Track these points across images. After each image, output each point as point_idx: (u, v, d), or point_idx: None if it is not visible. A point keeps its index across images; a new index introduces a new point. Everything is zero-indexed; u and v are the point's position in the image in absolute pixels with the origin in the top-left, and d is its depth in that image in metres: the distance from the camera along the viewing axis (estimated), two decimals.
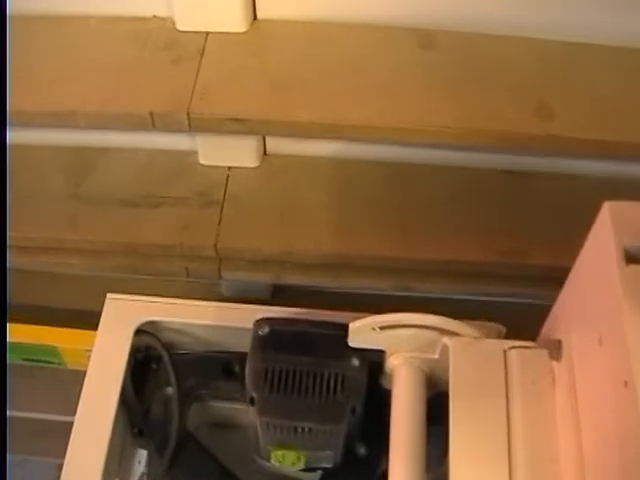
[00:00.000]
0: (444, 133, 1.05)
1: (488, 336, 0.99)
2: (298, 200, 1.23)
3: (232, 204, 1.22)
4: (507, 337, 1.14)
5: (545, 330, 0.99)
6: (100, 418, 1.05)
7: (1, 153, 1.19)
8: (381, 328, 1.03)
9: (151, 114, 1.04)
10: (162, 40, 1.12)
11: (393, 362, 1.06)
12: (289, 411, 1.01)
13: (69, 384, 1.28)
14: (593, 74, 1.11)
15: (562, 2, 1.07)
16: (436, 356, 1.02)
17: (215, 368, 1.18)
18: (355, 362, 1.05)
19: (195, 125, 1.05)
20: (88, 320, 1.18)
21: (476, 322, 1.01)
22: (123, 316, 1.13)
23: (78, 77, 1.08)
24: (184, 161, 1.26)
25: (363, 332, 1.03)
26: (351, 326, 1.04)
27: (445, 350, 0.98)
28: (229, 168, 1.26)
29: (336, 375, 1.04)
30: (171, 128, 1.06)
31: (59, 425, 1.19)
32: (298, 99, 1.07)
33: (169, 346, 1.16)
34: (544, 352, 0.93)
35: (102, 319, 1.13)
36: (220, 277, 1.23)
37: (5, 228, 1.14)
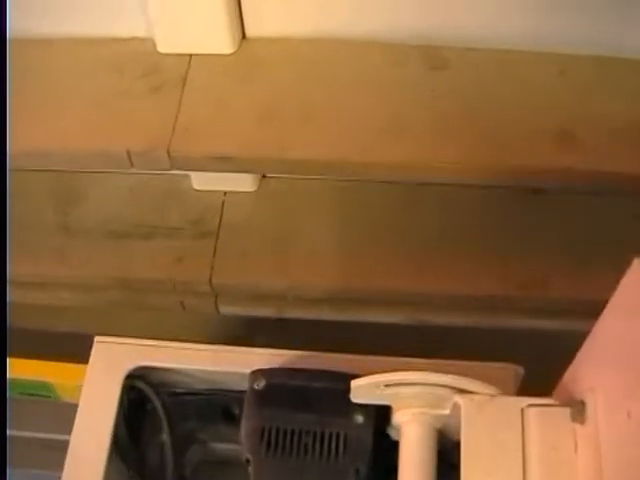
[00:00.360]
0: (455, 170, 0.95)
1: (504, 379, 0.94)
2: (299, 228, 1.13)
3: (228, 233, 1.14)
4: (527, 376, 1.03)
5: (567, 380, 0.89)
6: (90, 470, 0.99)
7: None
8: (386, 386, 0.94)
9: (128, 153, 0.95)
10: (141, 65, 1.02)
11: (401, 418, 0.97)
12: (288, 475, 0.93)
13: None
14: (620, 92, 0.97)
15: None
16: (448, 412, 0.93)
17: (214, 411, 1.09)
18: (359, 419, 0.96)
19: (177, 164, 0.96)
20: (84, 353, 1.10)
21: (491, 364, 0.96)
22: (112, 361, 1.05)
23: (51, 112, 0.99)
24: (177, 186, 1.17)
25: (366, 390, 0.94)
26: (353, 385, 0.95)
27: (457, 408, 0.88)
28: (225, 193, 1.17)
29: (338, 435, 0.95)
30: (151, 167, 0.96)
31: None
32: (293, 133, 0.97)
33: (164, 385, 1.08)
34: (566, 412, 0.83)
35: (90, 364, 1.05)
36: (218, 312, 1.14)
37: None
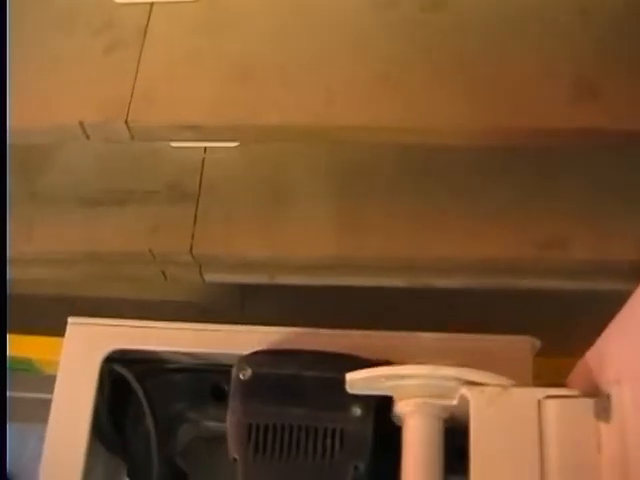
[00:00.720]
0: (457, 133, 0.81)
1: (520, 352, 0.88)
2: (289, 189, 1.02)
3: (209, 196, 1.02)
4: (543, 348, 0.93)
5: (590, 363, 0.80)
6: (70, 461, 0.92)
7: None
8: (387, 378, 0.85)
9: (81, 124, 0.82)
10: (96, 19, 0.87)
11: (403, 409, 0.87)
12: (279, 476, 0.86)
13: None
14: None
15: None
16: (455, 402, 0.83)
17: (203, 389, 1.00)
18: (357, 411, 0.87)
19: (138, 135, 0.83)
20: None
21: (505, 337, 0.89)
22: (88, 344, 0.96)
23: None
24: (151, 143, 1.04)
25: (364, 382, 0.85)
26: (348, 378, 0.85)
27: (465, 400, 0.79)
28: (205, 149, 1.04)
29: (334, 430, 0.86)
30: (109, 139, 0.84)
31: None
32: (270, 94, 0.83)
33: (147, 363, 0.99)
34: (589, 405, 0.74)
35: (64, 348, 0.96)
36: (203, 280, 1.04)
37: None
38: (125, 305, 1.11)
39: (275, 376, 0.87)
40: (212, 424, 1.06)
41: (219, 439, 1.07)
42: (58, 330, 0.99)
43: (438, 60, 0.83)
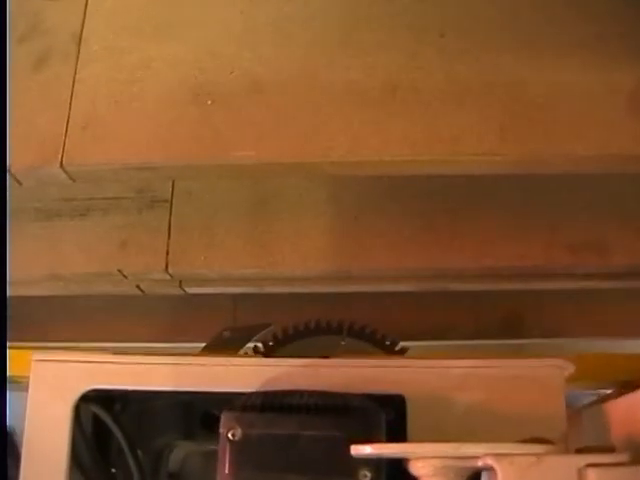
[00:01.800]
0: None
1: (550, 378, 0.77)
2: (278, 191, 0.83)
3: (185, 203, 0.84)
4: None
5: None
6: None
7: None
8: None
9: (10, 172, 0.65)
10: (23, 21, 0.67)
11: (420, 471, 0.74)
12: None
13: None
14: None
15: None
16: (479, 464, 0.71)
17: (192, 419, 0.89)
18: (366, 475, 0.75)
19: (81, 178, 0.66)
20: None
21: (536, 361, 0.78)
22: (58, 385, 0.83)
23: None
24: None
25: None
26: (354, 451, 0.71)
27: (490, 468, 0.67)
28: None
29: None
30: (46, 183, 0.66)
31: None
32: (238, 120, 0.64)
33: (128, 394, 0.87)
34: (636, 473, 0.63)
35: (31, 389, 0.83)
36: (184, 292, 0.88)
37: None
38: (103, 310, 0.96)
39: (270, 437, 0.73)
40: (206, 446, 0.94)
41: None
42: None
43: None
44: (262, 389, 0.80)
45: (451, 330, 1.03)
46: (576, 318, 1.01)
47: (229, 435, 0.73)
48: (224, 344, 1.02)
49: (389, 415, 0.77)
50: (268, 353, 0.97)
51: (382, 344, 0.99)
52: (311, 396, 0.77)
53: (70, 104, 0.65)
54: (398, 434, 0.77)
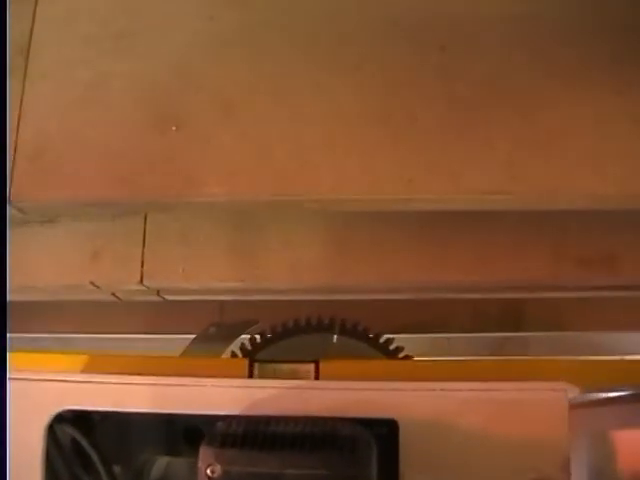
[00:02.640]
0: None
1: (554, 401, 0.70)
2: None
3: None
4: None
5: None
6: None
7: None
8: None
9: None
10: None
11: None
12: None
13: None
14: None
15: None
16: None
17: (174, 435, 0.82)
18: None
19: (34, 213, 0.57)
20: None
21: (540, 384, 0.71)
22: (32, 405, 0.77)
23: None
24: None
25: None
26: None
27: None
28: None
29: None
30: None
31: None
32: (206, 150, 0.55)
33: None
34: None
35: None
36: (163, 299, 0.80)
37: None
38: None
39: (251, 476, 0.67)
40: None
41: None
42: None
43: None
44: (245, 413, 0.74)
45: (448, 323, 0.96)
46: (577, 311, 0.94)
47: (208, 472, 0.67)
48: (210, 340, 0.96)
49: (380, 441, 0.71)
50: (255, 351, 0.90)
51: (375, 342, 0.93)
52: (297, 424, 0.71)
53: (17, 129, 0.55)
54: (389, 462, 0.72)
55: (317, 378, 0.79)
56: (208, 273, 0.76)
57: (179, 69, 0.56)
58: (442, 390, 0.71)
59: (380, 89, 0.55)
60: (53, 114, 0.56)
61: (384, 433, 0.70)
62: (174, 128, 0.55)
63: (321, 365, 0.81)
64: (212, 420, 0.73)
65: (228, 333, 0.95)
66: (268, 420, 0.70)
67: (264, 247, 0.75)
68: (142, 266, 0.75)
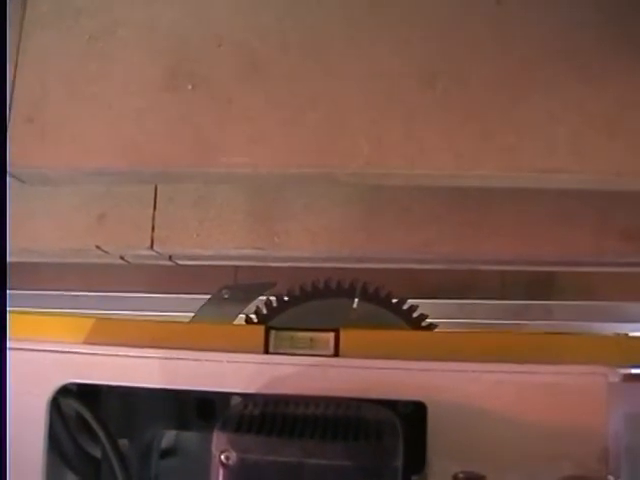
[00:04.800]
0: None
1: (594, 387, 0.64)
2: None
3: None
4: None
5: None
6: None
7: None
8: None
9: None
10: None
11: None
12: None
13: None
14: None
15: None
16: None
17: (186, 409, 0.76)
18: None
19: (31, 181, 0.49)
20: None
21: (579, 368, 0.65)
22: (35, 376, 0.71)
23: None
24: None
25: None
26: None
27: None
28: None
29: None
30: None
31: None
32: (226, 112, 0.47)
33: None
34: None
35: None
36: (176, 263, 0.73)
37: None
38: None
39: (269, 464, 0.61)
40: None
41: None
42: None
43: None
44: (261, 391, 0.67)
45: (475, 288, 0.89)
46: (608, 281, 0.86)
47: (222, 458, 0.61)
48: (224, 304, 0.89)
49: (406, 425, 0.65)
50: (271, 316, 0.84)
51: (399, 309, 0.86)
52: (318, 406, 0.64)
53: (14, 84, 0.47)
54: (416, 447, 0.65)
55: (337, 347, 0.73)
56: (225, 239, 0.69)
57: (198, 17, 0.47)
58: (474, 372, 0.65)
59: (425, 46, 0.46)
60: (53, 68, 0.48)
61: (411, 416, 0.64)
62: (190, 86, 0.47)
63: (341, 334, 0.75)
64: (226, 396, 0.68)
65: (243, 296, 0.88)
66: (286, 401, 0.64)
67: (285, 213, 0.68)
68: (153, 230, 0.69)
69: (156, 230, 0.68)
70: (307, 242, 0.69)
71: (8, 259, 0.62)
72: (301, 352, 0.73)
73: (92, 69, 0.47)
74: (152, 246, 0.68)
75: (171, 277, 0.88)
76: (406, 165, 0.46)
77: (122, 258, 0.75)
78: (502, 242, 0.67)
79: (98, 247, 0.69)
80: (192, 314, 0.87)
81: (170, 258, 0.73)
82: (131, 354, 0.71)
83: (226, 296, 0.89)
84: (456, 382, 0.65)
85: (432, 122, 0.46)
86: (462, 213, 0.67)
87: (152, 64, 0.47)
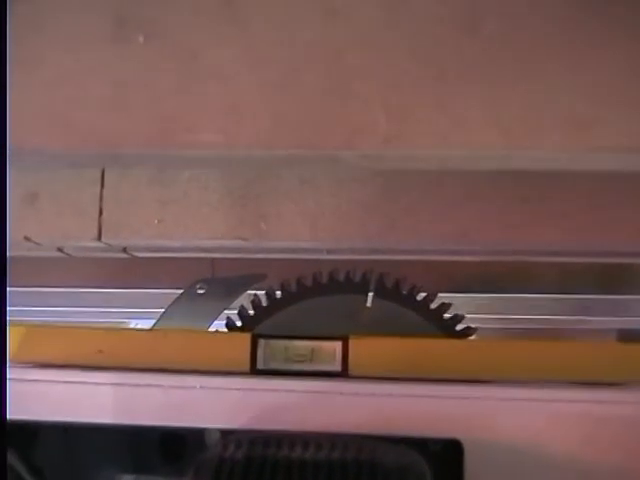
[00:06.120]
0: None
1: None
2: None
3: None
4: None
5: None
6: None
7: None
8: None
9: None
10: None
11: None
12: None
13: None
14: None
15: None
16: None
17: (146, 447, 0.74)
18: None
19: None
20: None
21: None
22: None
23: None
24: None
25: None
26: None
27: None
28: None
29: None
30: None
31: None
32: (191, 74, 0.45)
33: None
34: None
35: None
36: (132, 255, 0.72)
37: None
38: None
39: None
40: None
41: None
42: None
43: None
44: (247, 426, 0.67)
45: (527, 280, 0.87)
46: None
47: None
48: (198, 303, 0.87)
49: (438, 471, 0.65)
50: (260, 318, 0.83)
51: (425, 308, 0.85)
52: (320, 445, 0.64)
53: None
54: None
55: (345, 361, 0.73)
56: (195, 226, 0.67)
57: None
58: (527, 400, 0.65)
59: None
60: None
61: (443, 459, 0.65)
62: (141, 38, 0.44)
63: (351, 343, 0.74)
64: (200, 433, 0.68)
65: (223, 292, 0.88)
66: (279, 440, 0.64)
67: (275, 190, 0.67)
68: (100, 214, 0.67)
69: (105, 213, 0.67)
70: (305, 229, 0.67)
71: None
72: (299, 368, 0.73)
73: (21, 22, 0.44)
74: (100, 236, 0.67)
75: (128, 271, 0.87)
76: (437, 143, 0.43)
77: (60, 250, 0.73)
78: (565, 229, 0.65)
79: (27, 238, 0.67)
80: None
81: (124, 250, 0.72)
82: (71, 379, 0.70)
83: (201, 292, 0.88)
84: (501, 412, 0.64)
85: (472, 85, 0.43)
86: (512, 191, 0.65)
87: (90, 10, 0.44)
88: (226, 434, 0.66)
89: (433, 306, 0.86)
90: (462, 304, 0.86)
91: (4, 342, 0.75)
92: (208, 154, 0.45)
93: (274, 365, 0.75)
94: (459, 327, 0.87)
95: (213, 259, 0.83)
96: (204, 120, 0.44)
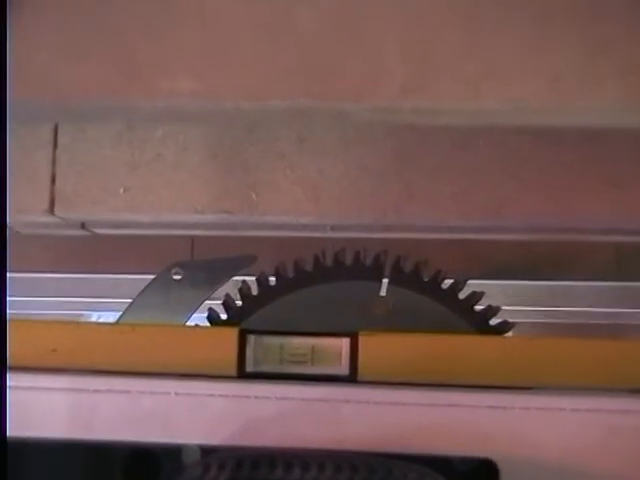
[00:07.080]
0: None
1: None
2: None
3: None
4: None
5: None
6: None
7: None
8: None
9: None
10: None
11: None
12: None
13: None
14: None
15: None
16: None
17: (116, 468, 0.78)
18: None
19: None
20: None
21: None
22: None
23: None
24: None
25: None
26: None
27: None
28: None
29: None
30: None
31: None
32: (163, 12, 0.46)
33: None
34: None
35: None
36: (93, 233, 0.73)
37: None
38: None
39: None
40: None
41: None
42: None
43: None
44: (234, 442, 0.68)
45: (576, 264, 0.89)
46: None
47: None
48: (174, 290, 0.89)
49: None
50: (249, 310, 0.85)
51: (451, 297, 0.86)
52: (323, 465, 0.66)
53: None
54: None
55: (354, 363, 0.75)
56: (170, 197, 0.69)
57: None
58: (576, 411, 0.66)
59: None
60: None
61: None
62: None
63: (361, 341, 0.76)
64: (176, 451, 0.69)
65: (204, 278, 0.89)
66: (272, 459, 0.65)
67: (268, 152, 0.67)
68: (53, 182, 0.68)
69: (58, 182, 0.68)
70: (305, 200, 0.69)
71: None
72: (296, 371, 0.74)
73: None
74: (52, 209, 0.67)
75: (91, 252, 0.88)
76: (465, 95, 0.44)
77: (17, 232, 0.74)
78: (624, 202, 0.66)
79: None
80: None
81: (83, 226, 0.72)
82: (19, 384, 0.71)
83: (177, 278, 0.90)
84: (547, 427, 0.66)
85: (508, 24, 0.44)
86: (557, 155, 0.66)
87: None
88: (207, 452, 0.68)
89: (461, 296, 0.88)
90: (497, 293, 0.87)
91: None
92: (186, 106, 0.46)
93: (266, 367, 0.76)
94: (493, 321, 0.88)
95: (193, 237, 0.85)
96: (180, 64, 0.46)
